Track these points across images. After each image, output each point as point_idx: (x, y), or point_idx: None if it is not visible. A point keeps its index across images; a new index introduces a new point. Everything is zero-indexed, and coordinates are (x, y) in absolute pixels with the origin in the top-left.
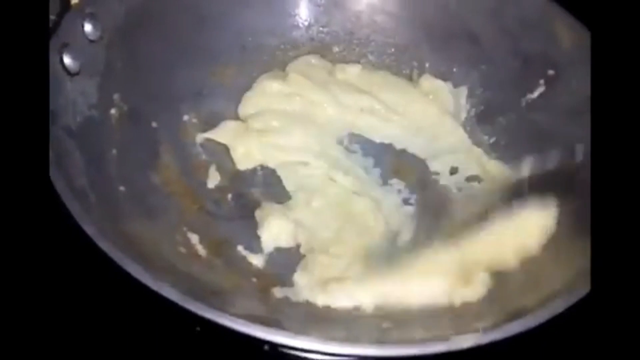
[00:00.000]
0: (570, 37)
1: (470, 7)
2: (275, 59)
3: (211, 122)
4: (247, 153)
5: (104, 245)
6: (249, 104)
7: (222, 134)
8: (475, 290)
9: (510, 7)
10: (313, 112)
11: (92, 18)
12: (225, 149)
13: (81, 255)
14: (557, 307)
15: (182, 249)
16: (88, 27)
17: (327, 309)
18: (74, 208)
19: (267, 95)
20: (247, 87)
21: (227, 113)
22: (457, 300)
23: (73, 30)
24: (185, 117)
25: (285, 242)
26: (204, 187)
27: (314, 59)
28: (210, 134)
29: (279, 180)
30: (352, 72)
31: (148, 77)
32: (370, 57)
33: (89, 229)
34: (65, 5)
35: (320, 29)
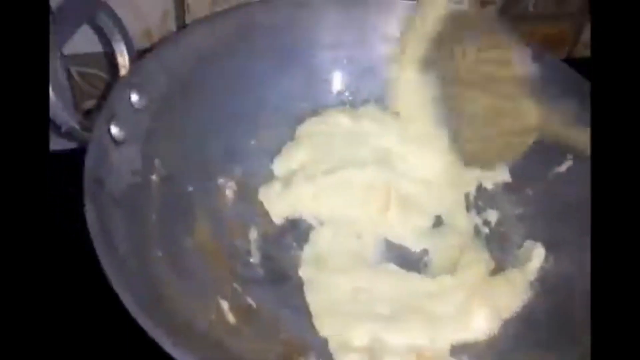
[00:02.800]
0: None
1: None
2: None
3: (246, 185)
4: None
5: (141, 319)
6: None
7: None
8: None
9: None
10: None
11: (139, 88)
12: (260, 212)
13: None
14: None
15: (213, 316)
16: (134, 97)
17: None
18: (116, 279)
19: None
20: (281, 151)
21: (261, 176)
22: None
23: (121, 101)
24: (221, 181)
25: None
26: (237, 251)
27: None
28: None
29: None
30: None
31: (186, 142)
32: None
33: (128, 302)
34: (114, 73)
35: (351, 94)
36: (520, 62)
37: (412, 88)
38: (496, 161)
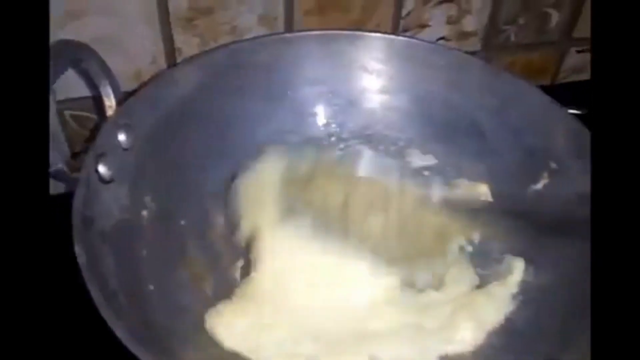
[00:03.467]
0: (569, 133)
1: (476, 105)
2: (296, 154)
3: (236, 218)
4: None
5: (134, 349)
6: None
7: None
8: None
9: (512, 105)
10: None
11: (126, 128)
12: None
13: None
14: None
15: (208, 343)
16: (122, 137)
17: None
18: (106, 312)
19: None
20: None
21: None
22: None
23: (108, 141)
24: (212, 214)
25: None
26: (230, 283)
27: None
28: None
29: None
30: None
31: (176, 179)
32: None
33: (120, 333)
34: (101, 115)
35: (338, 126)
36: None
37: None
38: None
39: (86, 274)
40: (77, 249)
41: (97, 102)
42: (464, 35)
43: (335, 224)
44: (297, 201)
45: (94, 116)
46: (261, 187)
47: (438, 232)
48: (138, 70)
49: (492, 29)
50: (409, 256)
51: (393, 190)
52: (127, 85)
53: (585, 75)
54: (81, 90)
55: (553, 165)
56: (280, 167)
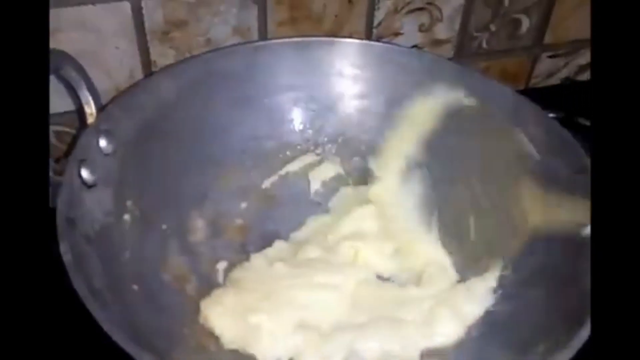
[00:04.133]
0: (542, 129)
1: None
2: (274, 160)
3: (216, 222)
4: None
5: (120, 339)
6: None
7: None
8: None
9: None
10: None
11: (107, 134)
12: (231, 245)
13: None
14: None
15: (192, 342)
16: (103, 143)
17: None
18: (93, 308)
19: None
20: (249, 188)
21: (231, 213)
22: None
23: (89, 146)
24: (193, 218)
25: None
26: (211, 283)
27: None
28: None
29: None
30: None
31: (157, 184)
32: (363, 148)
33: (106, 326)
34: (83, 124)
35: (314, 131)
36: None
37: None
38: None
39: (71, 272)
40: (62, 248)
41: (79, 112)
42: (436, 43)
43: None
44: None
45: (72, 131)
46: None
47: None
48: (116, 85)
49: (464, 36)
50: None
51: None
52: (106, 100)
53: (556, 80)
54: (60, 105)
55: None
56: None
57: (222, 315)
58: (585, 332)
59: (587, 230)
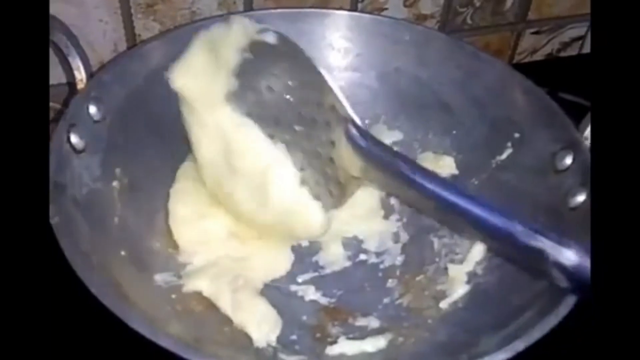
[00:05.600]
0: (531, 102)
1: (441, 79)
2: None
3: None
4: None
5: (107, 301)
6: None
7: None
8: None
9: (476, 78)
10: None
11: (96, 101)
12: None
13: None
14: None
15: (178, 307)
16: (92, 109)
17: None
18: (81, 270)
19: None
20: None
21: None
22: None
23: (79, 112)
24: None
25: None
26: None
27: None
28: None
29: None
30: None
31: (145, 152)
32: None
33: (93, 288)
34: (73, 90)
35: None
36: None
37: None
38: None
39: (59, 234)
40: (51, 210)
41: (68, 79)
42: (421, 18)
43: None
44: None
45: (56, 105)
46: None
47: None
48: (100, 58)
49: (449, 11)
50: None
51: None
52: None
53: (540, 56)
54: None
55: (516, 134)
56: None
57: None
58: (571, 299)
59: (576, 200)
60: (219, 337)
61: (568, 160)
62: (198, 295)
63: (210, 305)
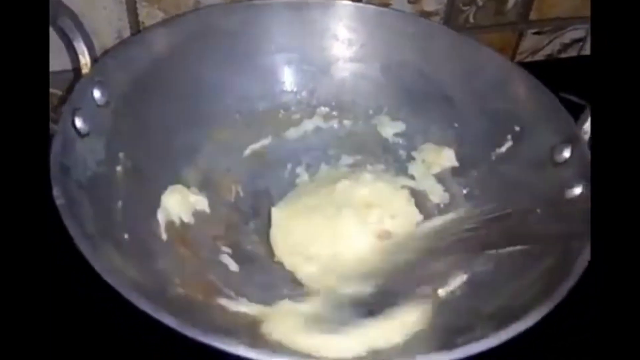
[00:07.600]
0: (532, 96)
1: (444, 72)
2: (266, 120)
3: (207, 177)
4: None
5: (111, 280)
6: None
7: None
8: None
9: (478, 72)
10: None
11: (101, 85)
12: (218, 197)
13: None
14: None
15: (180, 290)
16: (97, 94)
17: None
18: (87, 250)
19: None
20: (241, 147)
21: (221, 169)
22: None
23: (84, 96)
24: (184, 173)
25: None
26: (201, 235)
27: None
28: None
29: None
30: None
31: (150, 137)
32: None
33: (97, 266)
34: (77, 75)
35: (308, 93)
36: None
37: None
38: None
39: (65, 215)
40: (56, 192)
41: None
42: (425, 15)
43: None
44: None
45: (59, 92)
46: None
47: None
48: (104, 46)
49: (452, 9)
50: None
51: None
52: None
53: (541, 56)
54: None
55: (516, 128)
56: None
57: None
58: (569, 282)
59: (573, 192)
60: (221, 321)
61: (566, 154)
62: (200, 283)
63: (212, 294)
